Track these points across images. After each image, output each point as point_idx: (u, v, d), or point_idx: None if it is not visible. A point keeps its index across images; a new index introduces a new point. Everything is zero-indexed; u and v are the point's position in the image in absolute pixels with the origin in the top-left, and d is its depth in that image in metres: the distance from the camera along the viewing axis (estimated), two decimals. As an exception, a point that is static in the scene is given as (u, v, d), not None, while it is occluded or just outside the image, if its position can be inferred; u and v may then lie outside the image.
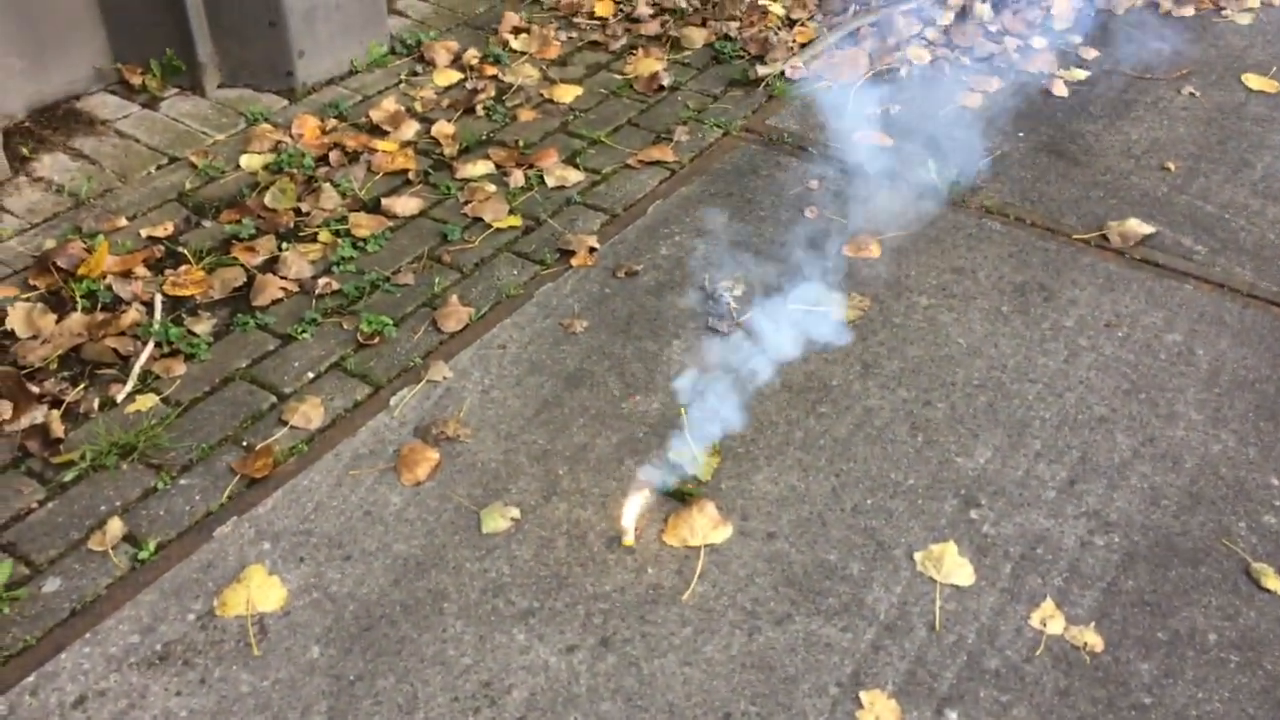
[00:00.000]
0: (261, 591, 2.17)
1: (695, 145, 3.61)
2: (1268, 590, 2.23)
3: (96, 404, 2.56)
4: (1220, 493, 2.44)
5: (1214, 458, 2.52)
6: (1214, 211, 3.36)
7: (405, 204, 3.27)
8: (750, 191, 3.38)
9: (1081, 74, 4.10)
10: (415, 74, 3.95)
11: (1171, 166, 3.57)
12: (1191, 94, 4.01)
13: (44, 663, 2.02)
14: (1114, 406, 2.65)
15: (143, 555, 2.22)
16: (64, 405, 2.54)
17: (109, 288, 2.85)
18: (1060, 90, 3.97)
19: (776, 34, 4.20)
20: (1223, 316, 2.93)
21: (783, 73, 3.99)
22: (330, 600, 2.16)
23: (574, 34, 4.27)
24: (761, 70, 3.98)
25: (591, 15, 4.39)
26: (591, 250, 3.10)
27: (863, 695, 2.02)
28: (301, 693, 2.00)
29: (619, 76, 4.00)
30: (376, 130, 3.60)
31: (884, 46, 4.14)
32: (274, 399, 2.62)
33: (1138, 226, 3.24)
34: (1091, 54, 4.23)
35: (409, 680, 2.03)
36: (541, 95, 3.86)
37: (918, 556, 2.28)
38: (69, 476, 2.39)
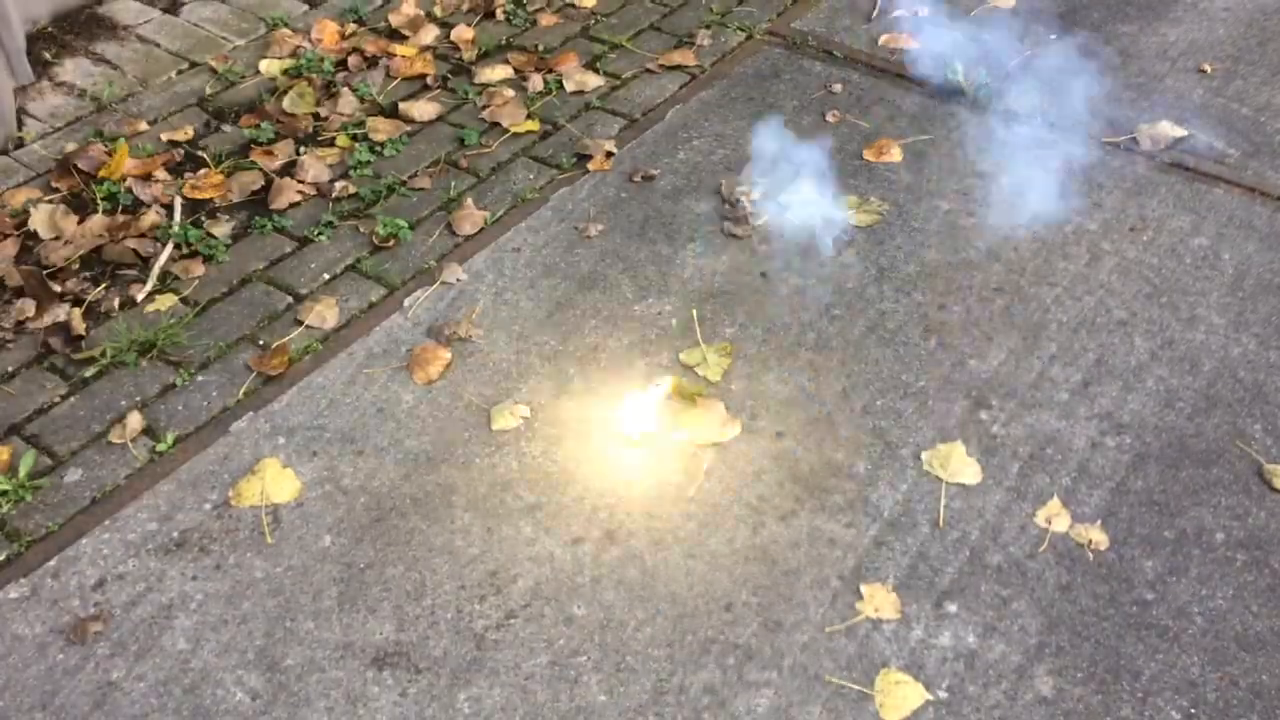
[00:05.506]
0: (275, 483, 2.21)
1: (717, 49, 3.54)
2: (1279, 491, 2.21)
3: (117, 303, 2.60)
4: (1237, 395, 2.41)
5: (1233, 361, 2.49)
6: (1249, 115, 3.26)
7: (423, 109, 3.25)
8: (771, 95, 3.32)
9: (1120, -26, 3.96)
10: (436, -22, 3.90)
11: (1208, 69, 3.46)
12: (1234, -6, 3.86)
13: (65, 548, 2.09)
14: (1134, 310, 2.61)
15: (161, 448, 2.28)
16: (85, 304, 2.59)
17: (129, 190, 2.87)
18: (1097, -9, 3.84)
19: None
20: (1252, 221, 2.86)
21: (810, -25, 3.89)
22: (342, 492, 2.21)
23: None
24: (788, -28, 3.88)
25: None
26: (609, 155, 3.07)
27: (863, 588, 2.04)
28: (313, 579, 2.05)
29: (642, -20, 3.93)
30: (396, 35, 3.57)
31: (915, -53, 4.02)
32: (290, 299, 2.64)
33: (1169, 129, 3.16)
34: (1132, -46, 4.08)
35: (417, 569, 2.07)
36: (563, -1, 3.80)
37: (925, 456, 2.28)
38: (90, 372, 2.44)
